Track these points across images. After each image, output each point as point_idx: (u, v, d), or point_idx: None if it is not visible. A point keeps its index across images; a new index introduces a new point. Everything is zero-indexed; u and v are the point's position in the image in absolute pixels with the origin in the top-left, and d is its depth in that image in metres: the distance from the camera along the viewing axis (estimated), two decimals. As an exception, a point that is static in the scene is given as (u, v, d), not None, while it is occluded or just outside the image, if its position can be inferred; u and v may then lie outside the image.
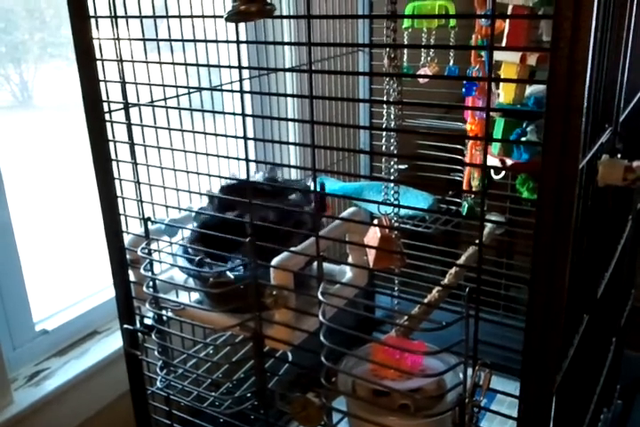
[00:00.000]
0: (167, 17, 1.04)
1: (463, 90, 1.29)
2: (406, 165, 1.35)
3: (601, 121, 0.82)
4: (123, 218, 0.98)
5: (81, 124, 0.94)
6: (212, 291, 0.92)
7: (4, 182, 1.14)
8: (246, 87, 1.40)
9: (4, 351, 1.13)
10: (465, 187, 1.44)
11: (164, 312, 0.98)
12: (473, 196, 1.49)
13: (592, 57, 0.57)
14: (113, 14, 0.87)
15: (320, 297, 0.81)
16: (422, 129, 1.68)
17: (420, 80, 1.44)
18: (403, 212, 1.32)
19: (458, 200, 1.63)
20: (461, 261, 1.18)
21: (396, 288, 1.44)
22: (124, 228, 0.98)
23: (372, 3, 1.64)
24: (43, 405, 1.16)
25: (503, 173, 1.37)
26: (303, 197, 0.99)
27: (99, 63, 0.89)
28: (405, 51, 1.44)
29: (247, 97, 1.52)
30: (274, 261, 0.85)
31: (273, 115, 1.65)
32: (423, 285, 1.42)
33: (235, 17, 0.68)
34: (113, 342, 1.30)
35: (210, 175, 1.04)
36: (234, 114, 1.06)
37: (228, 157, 1.01)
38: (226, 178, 1.00)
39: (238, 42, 0.77)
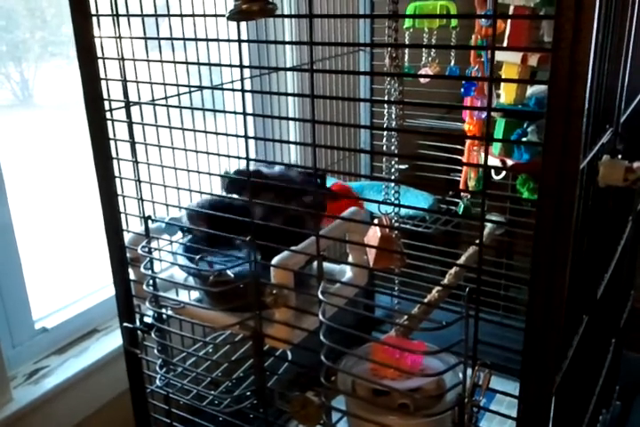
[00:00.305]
0: (169, 15, 1.04)
1: (462, 90, 1.29)
2: (407, 165, 1.35)
3: (602, 122, 0.82)
4: (123, 216, 0.98)
5: (81, 123, 0.94)
6: (211, 289, 0.92)
7: (4, 180, 1.14)
8: (247, 86, 1.40)
9: (3, 349, 1.13)
10: (462, 187, 1.44)
11: (163, 311, 0.98)
12: (469, 196, 1.49)
13: (593, 58, 0.57)
14: (114, 13, 0.87)
15: (320, 296, 0.81)
16: (423, 129, 1.68)
17: (421, 80, 1.44)
18: (403, 212, 1.32)
19: (458, 200, 1.64)
20: (461, 261, 1.18)
21: (396, 288, 1.44)
22: (124, 226, 0.98)
23: (374, 2, 1.64)
24: (42, 403, 1.16)
25: (503, 173, 1.37)
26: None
27: (100, 61, 0.89)
28: (407, 51, 1.44)
29: (248, 96, 1.52)
30: (274, 260, 0.85)
31: (274, 114, 1.65)
32: (423, 285, 1.42)
33: (237, 16, 0.68)
34: (112, 340, 1.30)
35: (210, 174, 1.04)
36: (235, 113, 1.06)
37: (228, 156, 1.01)
38: (226, 177, 1.00)
39: (240, 41, 0.76)
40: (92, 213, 1.06)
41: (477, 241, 0.71)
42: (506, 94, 1.21)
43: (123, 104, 0.92)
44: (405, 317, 0.99)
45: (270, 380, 0.97)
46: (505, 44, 1.16)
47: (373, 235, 1.18)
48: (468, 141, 1.38)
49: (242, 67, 0.80)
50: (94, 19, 0.87)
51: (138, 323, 1.02)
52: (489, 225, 1.28)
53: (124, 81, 0.91)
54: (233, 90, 1.39)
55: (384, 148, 1.23)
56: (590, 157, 0.74)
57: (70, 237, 1.42)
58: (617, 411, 1.58)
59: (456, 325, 0.72)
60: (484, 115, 1.29)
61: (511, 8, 1.16)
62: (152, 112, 1.01)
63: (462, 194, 1.49)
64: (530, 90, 1.24)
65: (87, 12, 0.87)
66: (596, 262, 0.99)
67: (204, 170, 1.04)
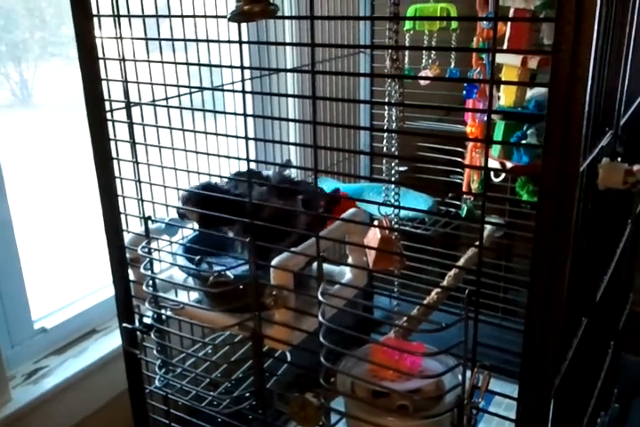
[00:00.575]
0: (169, 16, 1.04)
1: (464, 92, 1.29)
2: (406, 167, 1.35)
3: (601, 124, 0.82)
4: (123, 217, 0.98)
5: (81, 123, 0.94)
6: (211, 290, 0.92)
7: (4, 180, 1.14)
8: (247, 88, 1.40)
9: (2, 349, 1.13)
10: (465, 189, 1.45)
11: (163, 311, 0.98)
12: (472, 198, 1.49)
13: (594, 61, 0.57)
14: (116, 13, 0.88)
15: (320, 297, 0.81)
16: (422, 131, 1.68)
17: (421, 82, 1.44)
18: (402, 213, 1.33)
19: (457, 202, 1.64)
20: (460, 263, 1.18)
21: (395, 290, 1.44)
22: (124, 226, 0.98)
23: (374, 5, 1.64)
24: (41, 403, 1.16)
25: (503, 175, 1.37)
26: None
27: (101, 62, 0.90)
28: (407, 53, 1.44)
29: (248, 97, 1.52)
30: (274, 262, 0.85)
31: (273, 115, 1.65)
32: (422, 287, 1.42)
33: (238, 17, 0.68)
34: (111, 340, 1.30)
35: (210, 175, 1.04)
36: (235, 114, 1.06)
37: (228, 157, 1.01)
38: (225, 177, 1.00)
39: (241, 42, 0.77)
40: (92, 213, 1.06)
41: (477, 243, 0.71)
42: (505, 97, 1.21)
43: (123, 105, 0.92)
44: (405, 318, 0.99)
45: (269, 381, 0.97)
46: (505, 47, 1.16)
47: (373, 236, 1.18)
48: (470, 144, 1.38)
49: (242, 68, 0.80)
50: (95, 19, 0.87)
51: (137, 323, 1.02)
52: (488, 227, 1.28)
53: (125, 81, 0.91)
54: (233, 91, 1.39)
55: (384, 149, 1.23)
56: (590, 160, 0.74)
57: (70, 237, 1.42)
58: (615, 413, 1.58)
59: (454, 327, 0.72)
60: (485, 117, 1.29)
61: (511, 11, 1.16)
62: (152, 113, 1.01)
63: (465, 196, 1.49)
64: (529, 92, 1.24)
65: (88, 12, 0.87)
66: (596, 265, 0.99)
67: (203, 171, 1.04)
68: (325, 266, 0.85)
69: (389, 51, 1.16)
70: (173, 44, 1.01)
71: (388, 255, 1.15)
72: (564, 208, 0.61)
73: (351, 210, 0.98)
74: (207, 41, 1.14)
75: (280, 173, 1.03)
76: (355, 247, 0.99)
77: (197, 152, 0.96)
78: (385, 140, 1.23)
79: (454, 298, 1.05)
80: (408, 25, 1.39)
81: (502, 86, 1.23)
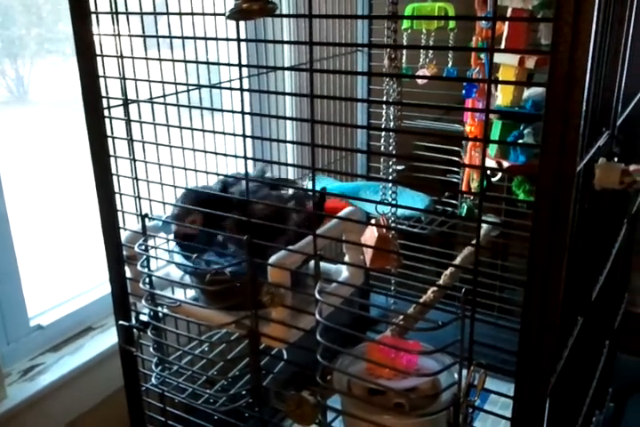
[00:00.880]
0: (167, 14, 1.04)
1: (463, 92, 1.29)
2: (403, 166, 1.35)
3: (598, 124, 0.82)
4: (120, 214, 0.98)
5: (77, 120, 0.94)
6: (208, 288, 0.92)
7: (0, 177, 1.14)
8: (244, 86, 1.40)
9: (-2, 346, 1.13)
10: (464, 188, 1.45)
11: (159, 309, 0.98)
12: (472, 197, 1.50)
13: (591, 61, 0.58)
14: (114, 10, 0.87)
15: (317, 296, 0.81)
16: (420, 130, 1.68)
17: (419, 81, 1.44)
18: (399, 212, 1.33)
19: (454, 202, 1.64)
20: (457, 262, 1.18)
21: (392, 288, 1.44)
22: (121, 224, 0.98)
23: (372, 3, 1.64)
24: (37, 400, 1.16)
25: (499, 175, 1.37)
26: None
27: (98, 59, 0.89)
28: (404, 52, 1.44)
29: (245, 95, 1.52)
30: (271, 260, 0.85)
31: (271, 114, 1.65)
32: (419, 285, 1.42)
33: (236, 15, 0.68)
34: (108, 338, 1.30)
35: (207, 172, 1.04)
36: (232, 112, 1.07)
37: (225, 155, 1.01)
38: (223, 175, 1.01)
39: (239, 40, 0.77)
40: (89, 210, 1.06)
41: (474, 242, 0.71)
42: (503, 96, 1.22)
43: (121, 102, 0.92)
44: (401, 317, 1.00)
45: (266, 379, 0.97)
46: (503, 47, 1.17)
47: (370, 235, 1.18)
48: (469, 143, 1.38)
49: (240, 66, 0.80)
50: (93, 16, 0.87)
51: (133, 321, 1.02)
52: (484, 226, 1.29)
53: (123, 79, 0.91)
54: (231, 89, 1.39)
55: (382, 148, 1.23)
56: (587, 160, 0.74)
57: (66, 234, 1.42)
58: (610, 412, 1.59)
59: (450, 325, 0.72)
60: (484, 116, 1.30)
61: (509, 10, 1.16)
62: (150, 110, 1.01)
63: (465, 195, 1.49)
64: (527, 92, 1.25)
65: (86, 9, 0.87)
66: (592, 264, 0.99)
67: (201, 168, 1.04)
68: (322, 264, 0.85)
69: (387, 50, 1.16)
70: (171, 42, 1.01)
71: (385, 254, 1.15)
72: (560, 208, 0.61)
73: (348, 208, 0.98)
74: (205, 38, 1.14)
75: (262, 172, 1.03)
76: (351, 246, 0.99)
77: (194, 150, 0.96)
78: (382, 139, 1.23)
79: (450, 297, 1.06)
80: (406, 24, 1.39)
81: (500, 86, 1.23)
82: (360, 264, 1.04)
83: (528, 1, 1.07)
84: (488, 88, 0.67)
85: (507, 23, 1.16)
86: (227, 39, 0.88)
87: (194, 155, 1.03)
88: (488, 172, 1.30)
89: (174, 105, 1.08)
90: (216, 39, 1.09)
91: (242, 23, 0.75)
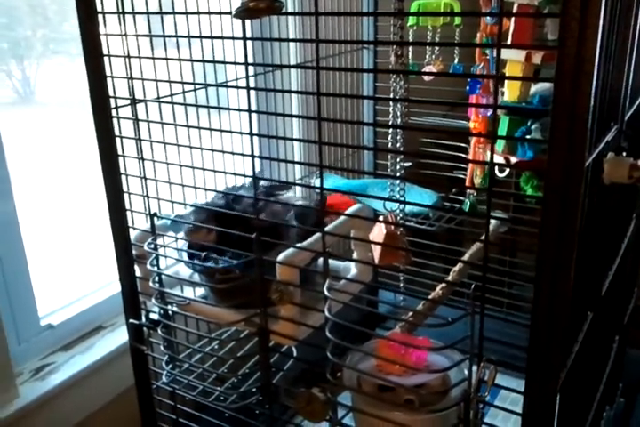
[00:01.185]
0: (174, 13, 1.05)
1: (467, 88, 1.29)
2: (410, 163, 1.35)
3: (607, 119, 0.82)
4: (129, 213, 0.98)
5: (83, 120, 0.94)
6: (217, 286, 0.92)
7: (10, 177, 1.15)
8: (250, 84, 1.40)
9: (9, 346, 1.14)
10: (468, 184, 1.45)
11: (169, 307, 0.99)
12: (475, 193, 1.49)
13: (599, 56, 0.58)
14: (120, 10, 0.88)
15: (326, 293, 0.81)
16: (426, 127, 1.68)
17: (425, 78, 1.44)
18: (407, 209, 1.33)
19: (461, 198, 1.64)
20: (465, 258, 1.18)
21: (401, 285, 1.44)
22: (130, 223, 0.99)
23: (377, 1, 1.64)
24: (48, 399, 1.17)
25: (507, 170, 1.37)
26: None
27: (105, 59, 0.90)
28: (410, 48, 1.44)
29: (252, 93, 1.52)
30: (279, 257, 0.85)
31: (277, 112, 1.65)
32: (427, 282, 1.42)
33: (243, 13, 0.68)
34: (118, 336, 1.31)
35: (215, 171, 1.04)
36: (239, 110, 1.07)
37: (233, 153, 1.01)
38: (231, 174, 1.01)
39: (245, 38, 0.77)
40: (98, 210, 1.07)
41: (483, 237, 0.71)
42: (510, 92, 1.21)
43: (128, 101, 0.93)
44: (410, 313, 1.00)
45: (276, 376, 0.97)
46: (509, 42, 1.16)
47: (379, 232, 1.18)
48: (473, 139, 1.38)
49: (247, 64, 0.81)
50: (100, 16, 0.87)
51: (144, 319, 1.03)
52: (493, 222, 1.29)
53: (130, 78, 0.91)
54: (238, 87, 1.39)
55: (389, 145, 1.23)
56: (595, 155, 0.74)
57: (76, 234, 1.42)
58: (620, 408, 1.58)
59: (459, 322, 0.72)
60: (489, 112, 1.29)
61: (515, 6, 1.16)
62: (157, 109, 1.02)
63: (468, 191, 1.49)
64: (534, 88, 1.24)
65: (93, 9, 0.87)
66: (601, 259, 0.99)
67: (208, 167, 1.04)
68: (331, 262, 0.85)
69: (394, 46, 1.16)
70: (177, 41, 1.01)
71: (393, 250, 1.15)
72: (569, 203, 0.61)
73: (356, 205, 0.98)
74: (211, 37, 1.14)
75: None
76: (359, 243, 1.00)
77: (202, 148, 0.97)
78: (390, 136, 1.23)
79: (458, 293, 1.06)
80: (411, 20, 1.39)
81: (506, 81, 1.23)
82: (369, 261, 1.04)
83: (534, -4, 1.07)
84: (495, 84, 0.67)
85: (512, 19, 1.15)
86: (233, 38, 0.88)
87: (201, 153, 1.03)
88: (496, 168, 1.29)
89: (181, 104, 1.08)
90: (222, 38, 1.09)
91: (247, 21, 0.76)
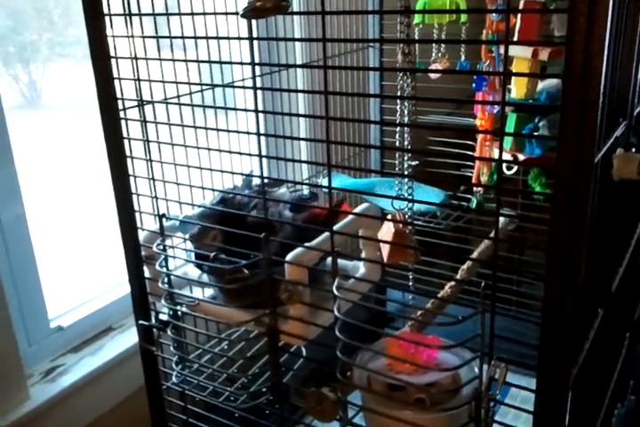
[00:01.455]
0: (180, 14, 1.05)
1: (473, 85, 1.29)
2: (417, 161, 1.35)
3: (615, 115, 0.82)
4: (138, 214, 0.98)
5: (89, 123, 0.95)
6: (226, 287, 0.92)
7: (18, 179, 1.15)
8: (257, 84, 1.40)
9: (20, 348, 1.14)
10: (474, 182, 1.44)
11: (178, 308, 0.99)
12: (482, 191, 1.49)
13: (607, 51, 0.57)
14: (127, 12, 0.88)
15: (335, 292, 0.81)
16: (433, 125, 1.67)
17: (432, 76, 1.44)
18: (415, 207, 1.32)
19: (469, 196, 1.63)
20: (474, 256, 1.18)
21: (410, 283, 1.44)
22: (138, 224, 0.99)
23: (382, -1, 1.63)
24: (59, 400, 1.17)
25: (515, 168, 1.36)
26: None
27: (113, 61, 0.90)
28: (416, 46, 1.43)
29: (258, 94, 1.52)
30: (288, 257, 0.85)
31: (283, 111, 1.65)
32: (435, 281, 1.42)
33: (250, 13, 0.68)
34: (128, 338, 1.31)
35: (223, 171, 1.04)
36: (246, 110, 1.07)
37: (240, 153, 1.01)
38: (238, 174, 1.01)
39: (252, 38, 0.77)
40: (106, 211, 1.07)
41: (492, 235, 0.71)
42: (517, 89, 1.21)
43: (136, 103, 0.93)
44: (419, 312, 1.00)
45: (286, 376, 0.97)
46: (515, 39, 1.16)
47: (387, 231, 1.18)
48: (480, 137, 1.37)
49: (253, 64, 0.81)
50: (107, 18, 0.87)
51: (153, 320, 1.03)
52: (501, 220, 1.28)
53: (137, 80, 0.91)
54: (245, 87, 1.39)
55: (396, 143, 1.23)
56: (605, 151, 0.74)
57: (85, 236, 1.43)
58: (632, 405, 1.57)
59: (469, 320, 0.72)
60: (495, 110, 1.29)
61: (521, 2, 1.16)
62: (164, 111, 1.02)
63: (475, 189, 1.48)
64: (541, 84, 1.24)
65: (100, 11, 0.87)
66: (611, 256, 0.99)
67: (216, 168, 1.04)
68: (339, 261, 0.85)
69: (401, 45, 1.16)
70: (184, 42, 1.01)
71: (402, 249, 1.15)
72: (579, 200, 0.61)
73: (364, 205, 0.98)
74: (217, 38, 1.14)
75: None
76: (368, 242, 0.99)
77: (210, 149, 0.97)
78: (397, 135, 1.23)
79: (467, 292, 1.05)
80: (417, 18, 1.39)
81: (513, 78, 1.23)
82: (377, 260, 1.04)
83: (540, -7, 1.07)
84: (503, 81, 0.67)
85: (519, 16, 1.15)
86: (239, 38, 0.88)
87: (209, 154, 1.03)
88: (503, 165, 1.29)
89: (188, 105, 1.08)
90: (228, 38, 1.09)
91: (253, 21, 0.76)
